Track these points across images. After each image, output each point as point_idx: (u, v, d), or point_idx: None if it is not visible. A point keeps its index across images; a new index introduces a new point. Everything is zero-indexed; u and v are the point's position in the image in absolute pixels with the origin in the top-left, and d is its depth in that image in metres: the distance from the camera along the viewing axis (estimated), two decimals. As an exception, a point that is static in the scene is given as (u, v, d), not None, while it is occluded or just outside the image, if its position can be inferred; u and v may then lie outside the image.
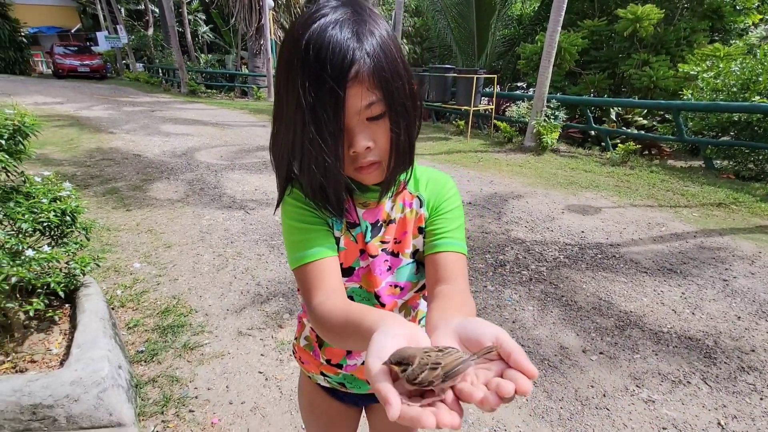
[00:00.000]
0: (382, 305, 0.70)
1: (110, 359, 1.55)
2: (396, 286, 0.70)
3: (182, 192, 4.18)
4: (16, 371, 1.55)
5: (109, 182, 4.35)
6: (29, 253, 1.47)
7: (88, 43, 22.25)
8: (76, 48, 19.94)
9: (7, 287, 1.44)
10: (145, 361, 1.85)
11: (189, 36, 18.82)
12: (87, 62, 18.74)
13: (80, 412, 1.42)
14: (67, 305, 1.92)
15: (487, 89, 8.51)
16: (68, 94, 12.23)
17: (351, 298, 0.70)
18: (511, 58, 10.85)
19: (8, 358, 1.61)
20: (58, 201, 1.68)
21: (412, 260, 0.70)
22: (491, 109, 7.73)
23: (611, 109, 7.16)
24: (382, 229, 0.68)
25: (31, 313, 1.62)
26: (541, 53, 6.44)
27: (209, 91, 15.26)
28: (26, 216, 1.52)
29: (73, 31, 25.21)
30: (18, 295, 1.67)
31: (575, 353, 1.99)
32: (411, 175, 0.68)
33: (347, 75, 0.52)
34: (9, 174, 1.53)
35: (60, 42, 21.40)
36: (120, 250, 2.85)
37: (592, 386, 1.78)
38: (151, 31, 20.72)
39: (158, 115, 9.12)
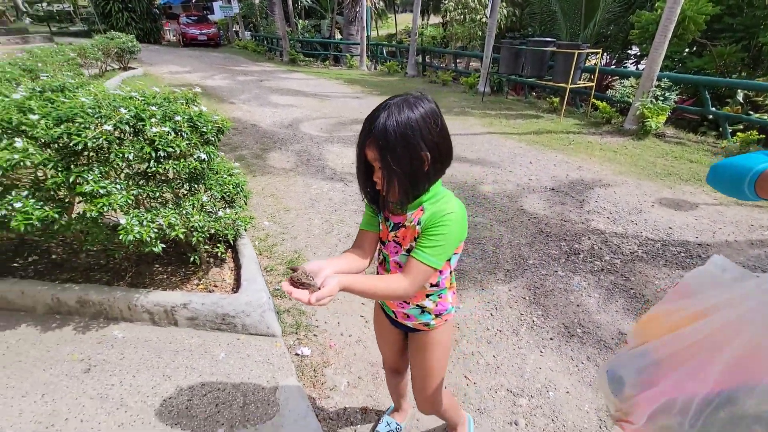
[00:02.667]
0: (389, 271, 1.14)
1: (265, 291, 2.22)
2: (397, 264, 1.11)
3: (293, 162, 4.92)
4: (207, 292, 2.29)
5: (236, 150, 5.27)
6: (220, 213, 2.15)
7: (205, 12, 24.72)
8: (196, 18, 22.30)
9: (206, 236, 2.14)
10: (280, 297, 2.52)
11: (291, 3, 19.90)
12: (205, 31, 20.92)
13: (250, 323, 2.11)
14: (229, 250, 2.67)
15: (588, 64, 7.97)
16: (193, 63, 14.03)
17: (384, 258, 1.16)
18: (624, 25, 9.81)
19: (200, 282, 2.37)
20: (232, 176, 2.35)
21: (405, 253, 1.08)
22: (591, 86, 7.27)
23: (738, 90, 6.32)
24: (398, 229, 1.07)
25: (219, 253, 2.35)
26: (659, 24, 5.89)
27: (307, 59, 16.23)
28: (217, 187, 2.19)
29: (194, 1, 28.03)
30: (208, 241, 2.41)
31: (632, 340, 2.22)
32: (430, 202, 1.01)
33: (365, 139, 0.95)
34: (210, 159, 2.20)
35: (184, 12, 24.09)
36: (252, 210, 3.62)
37: (642, 368, 2.03)
38: (257, 0, 22.28)
39: (266, 85, 10.18)
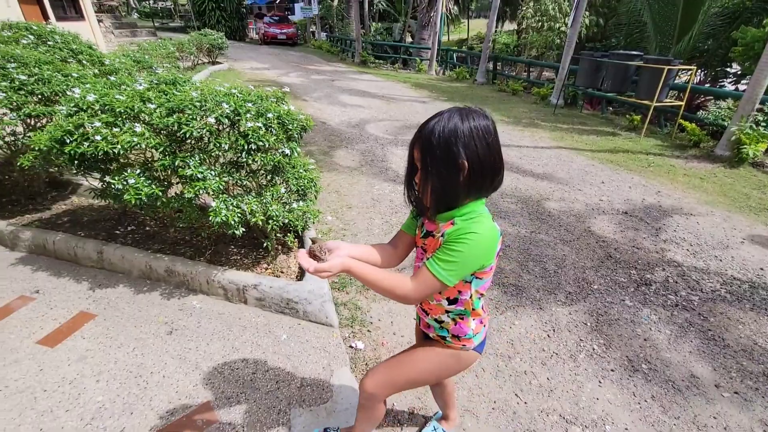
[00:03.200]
0: None
1: (326, 282, 2.34)
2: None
3: (357, 161, 5.09)
4: (275, 276, 2.47)
5: (306, 146, 5.55)
6: (294, 205, 2.31)
7: (286, 13, 26.20)
8: (278, 18, 23.72)
9: (279, 225, 2.31)
10: (338, 290, 2.64)
11: (366, 5, 20.49)
12: (285, 30, 22.19)
13: (311, 311, 2.24)
14: (296, 240, 2.84)
15: (678, 80, 7.34)
16: (272, 60, 14.95)
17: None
18: (725, 41, 8.91)
19: (269, 267, 2.55)
20: (307, 171, 2.51)
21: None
22: (680, 105, 6.70)
23: None
24: (427, 237, 1.10)
25: (289, 242, 2.52)
26: (766, 42, 5.30)
27: (377, 61, 16.60)
28: (293, 181, 2.36)
29: (277, 1, 29.82)
30: (280, 230, 2.59)
31: (706, 385, 2.05)
32: (462, 218, 0.99)
33: (414, 140, 1.00)
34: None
35: (268, 12, 25.72)
36: (318, 204, 3.81)
37: (715, 418, 1.87)
38: (335, 2, 23.18)
39: (337, 85, 10.59)
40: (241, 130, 2.06)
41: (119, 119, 2.04)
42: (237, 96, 2.19)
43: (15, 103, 2.59)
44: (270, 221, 2.22)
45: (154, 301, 2.38)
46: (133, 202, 1.95)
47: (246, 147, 2.03)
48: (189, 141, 2.07)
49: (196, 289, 2.44)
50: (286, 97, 2.41)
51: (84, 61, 3.64)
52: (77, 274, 2.61)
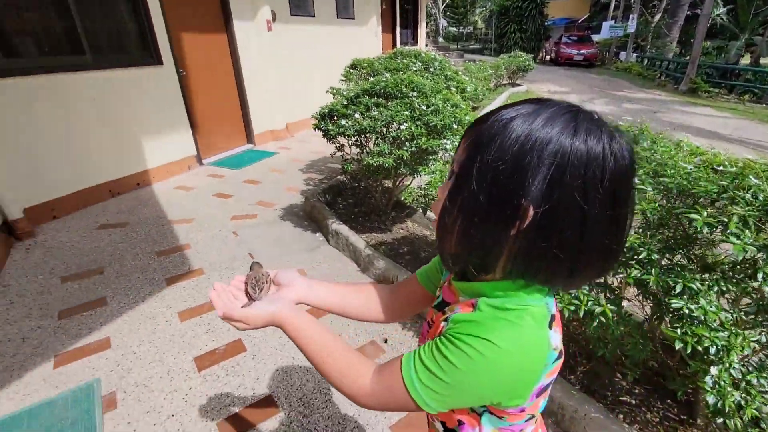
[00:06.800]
0: None
1: None
2: None
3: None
4: None
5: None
6: None
7: (587, 32, 24.07)
8: (576, 38, 22.02)
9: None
10: None
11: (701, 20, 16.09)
12: (583, 51, 20.35)
13: None
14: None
15: None
16: (571, 83, 13.73)
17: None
18: None
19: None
20: None
21: None
22: None
23: None
24: (440, 311, 0.66)
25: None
26: None
27: (713, 90, 12.72)
28: None
29: (579, 21, 27.94)
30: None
31: None
32: (490, 303, 0.54)
33: (464, 136, 0.55)
34: None
35: (566, 32, 24.35)
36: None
37: None
38: (656, 18, 19.46)
39: (664, 119, 8.44)
40: None
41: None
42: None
43: (411, 134, 2.62)
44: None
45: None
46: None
47: None
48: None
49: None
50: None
51: (452, 88, 3.66)
52: (414, 320, 2.44)
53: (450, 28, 42.80)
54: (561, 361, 0.55)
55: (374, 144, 2.71)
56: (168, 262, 2.87)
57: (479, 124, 0.52)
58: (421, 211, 3.40)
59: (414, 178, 2.79)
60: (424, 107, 2.66)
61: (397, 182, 3.39)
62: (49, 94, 3.33)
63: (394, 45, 10.78)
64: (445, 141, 2.69)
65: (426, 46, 13.61)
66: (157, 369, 1.99)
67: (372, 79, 3.32)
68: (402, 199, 3.43)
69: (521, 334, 0.50)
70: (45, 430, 1.67)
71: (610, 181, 0.46)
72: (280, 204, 3.87)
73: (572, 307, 1.31)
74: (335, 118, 2.81)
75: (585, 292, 1.36)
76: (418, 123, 2.63)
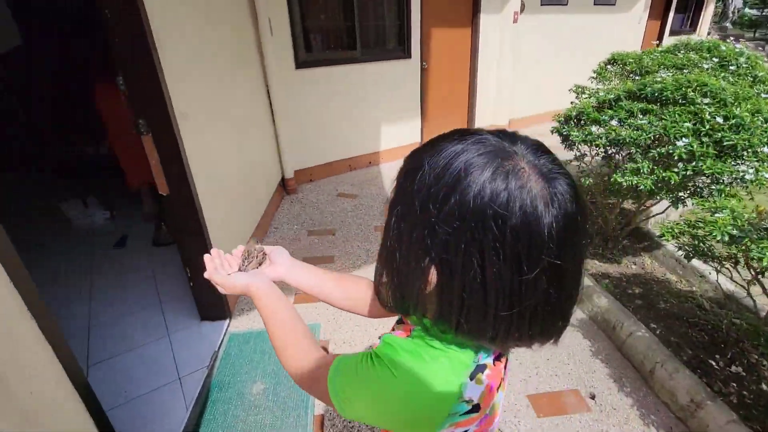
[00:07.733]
0: None
1: None
2: None
3: None
4: None
5: None
6: None
7: None
8: None
9: None
10: None
11: None
12: None
13: None
14: None
15: None
16: None
17: None
18: None
19: None
20: None
21: None
22: None
23: None
24: (396, 323, 0.67)
25: None
26: None
27: None
28: None
29: None
30: None
31: None
32: (419, 335, 0.53)
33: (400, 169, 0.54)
34: None
35: None
36: None
37: None
38: None
39: None
40: None
41: None
42: None
43: (690, 153, 1.99)
44: None
45: None
46: None
47: None
48: None
49: None
50: None
51: (762, 94, 2.64)
52: (636, 385, 1.91)
53: (747, 9, 32.48)
54: (476, 416, 0.51)
55: (629, 158, 2.21)
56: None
57: (409, 161, 0.49)
58: (674, 248, 2.64)
59: (677, 208, 2.15)
60: (719, 119, 1.97)
61: (641, 205, 2.74)
62: (323, 83, 4.09)
63: (661, 34, 8.80)
64: (742, 167, 1.95)
65: (708, 34, 10.58)
66: (358, 333, 2.21)
67: (638, 79, 2.71)
68: (647, 227, 2.76)
69: (426, 372, 0.49)
70: (262, 352, 2.08)
71: (514, 239, 0.40)
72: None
73: None
74: (582, 122, 2.42)
75: None
76: (705, 140, 1.98)
